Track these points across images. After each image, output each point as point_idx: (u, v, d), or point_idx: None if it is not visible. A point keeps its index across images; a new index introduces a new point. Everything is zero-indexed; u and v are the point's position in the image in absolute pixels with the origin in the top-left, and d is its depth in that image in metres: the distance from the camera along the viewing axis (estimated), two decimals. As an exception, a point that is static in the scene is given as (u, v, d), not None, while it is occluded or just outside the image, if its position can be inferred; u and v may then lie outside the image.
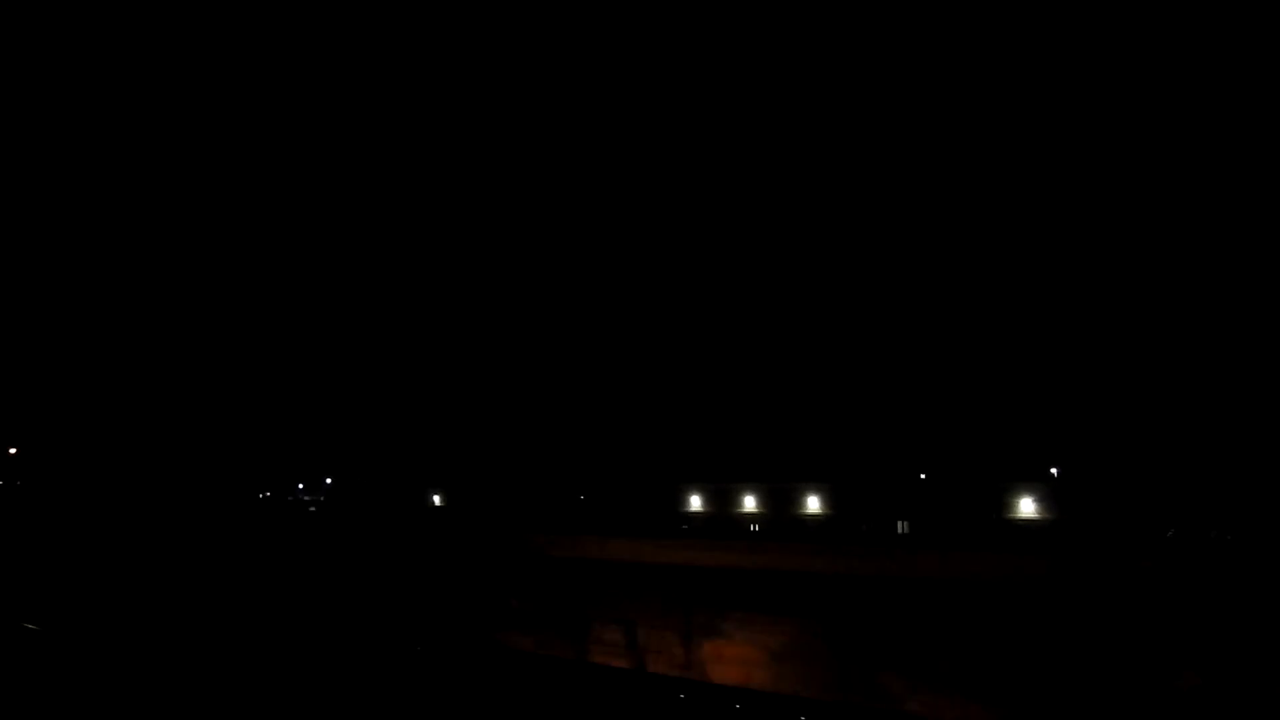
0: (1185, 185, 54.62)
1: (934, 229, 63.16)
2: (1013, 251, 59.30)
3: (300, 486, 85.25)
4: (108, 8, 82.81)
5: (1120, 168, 56.84)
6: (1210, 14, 55.20)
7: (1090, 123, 58.39)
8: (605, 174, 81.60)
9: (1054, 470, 50.44)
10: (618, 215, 74.93)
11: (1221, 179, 53.66)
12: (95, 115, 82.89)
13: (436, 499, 68.67)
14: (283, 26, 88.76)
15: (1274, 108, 51.50)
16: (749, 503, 55.55)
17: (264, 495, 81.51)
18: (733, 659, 23.23)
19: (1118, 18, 58.16)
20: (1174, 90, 55.57)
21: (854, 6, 71.12)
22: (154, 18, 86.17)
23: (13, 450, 72.09)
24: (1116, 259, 55.61)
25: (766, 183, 72.49)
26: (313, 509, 73.53)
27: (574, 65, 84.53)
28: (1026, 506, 46.93)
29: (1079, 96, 59.43)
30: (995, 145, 62.08)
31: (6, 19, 79.21)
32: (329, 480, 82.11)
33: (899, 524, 50.42)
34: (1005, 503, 47.41)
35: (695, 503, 57.53)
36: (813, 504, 53.21)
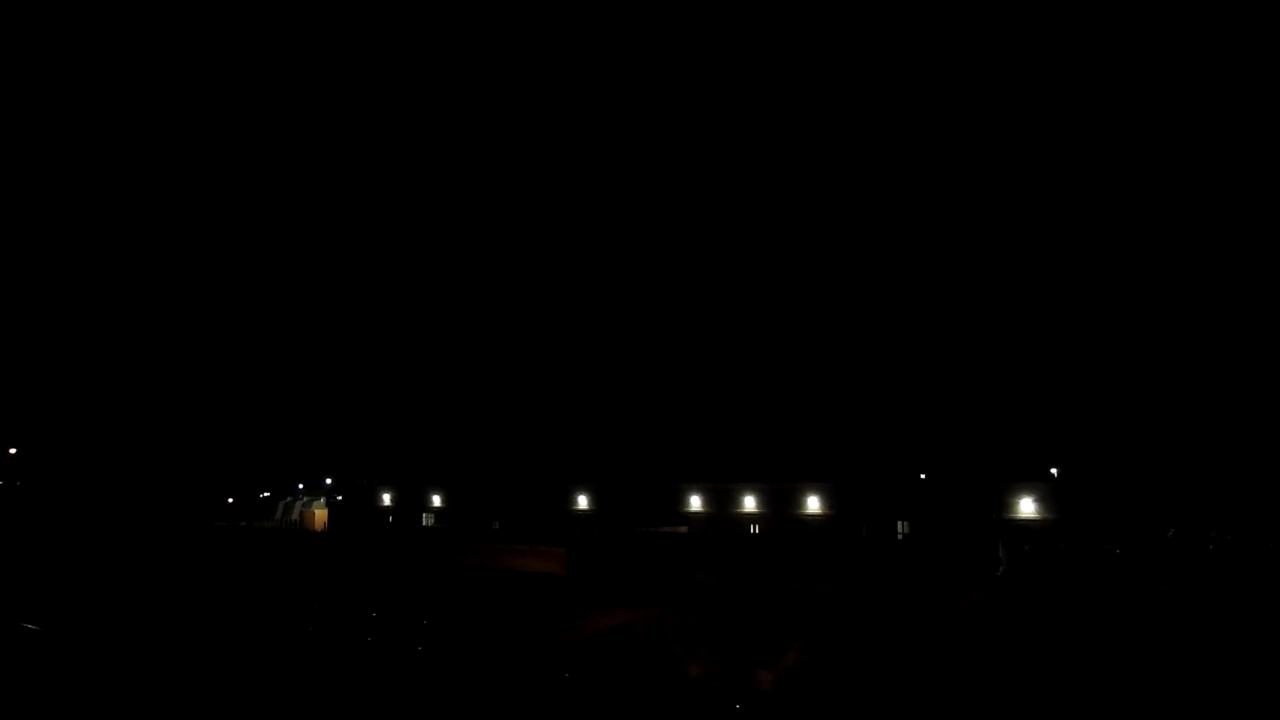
0: (1184, 188, 54.63)
1: (934, 232, 63.16)
2: (1013, 254, 59.32)
3: (300, 486, 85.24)
4: (108, 8, 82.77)
5: (1120, 172, 56.84)
6: (1209, 14, 55.20)
7: (1090, 127, 58.39)
8: (604, 182, 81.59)
9: (1054, 470, 50.43)
10: (619, 219, 74.90)
11: (1220, 182, 53.69)
12: (95, 117, 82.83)
13: (436, 499, 68.64)
14: (283, 26, 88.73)
15: (1273, 109, 51.51)
16: (749, 503, 55.49)
17: (264, 495, 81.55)
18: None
19: (1117, 18, 58.15)
20: (1173, 92, 55.56)
21: (855, 7, 71.11)
22: (154, 18, 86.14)
23: (13, 450, 72.08)
24: (1117, 262, 55.63)
25: (766, 187, 72.46)
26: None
27: (577, 66, 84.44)
28: (1026, 506, 46.87)
29: (1080, 99, 59.41)
30: (996, 149, 62.06)
31: (7, 19, 79.18)
32: (329, 480, 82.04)
33: (899, 524, 50.44)
34: (1005, 503, 47.36)
35: (695, 503, 57.43)
36: (813, 504, 53.17)
